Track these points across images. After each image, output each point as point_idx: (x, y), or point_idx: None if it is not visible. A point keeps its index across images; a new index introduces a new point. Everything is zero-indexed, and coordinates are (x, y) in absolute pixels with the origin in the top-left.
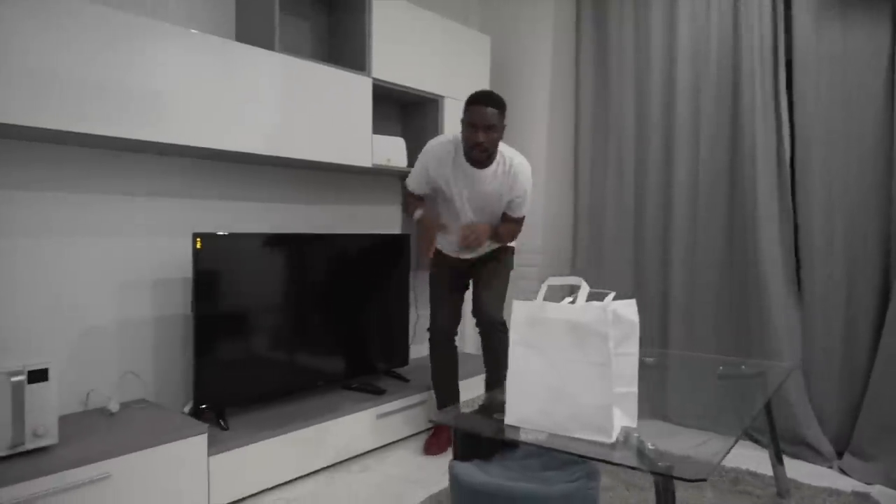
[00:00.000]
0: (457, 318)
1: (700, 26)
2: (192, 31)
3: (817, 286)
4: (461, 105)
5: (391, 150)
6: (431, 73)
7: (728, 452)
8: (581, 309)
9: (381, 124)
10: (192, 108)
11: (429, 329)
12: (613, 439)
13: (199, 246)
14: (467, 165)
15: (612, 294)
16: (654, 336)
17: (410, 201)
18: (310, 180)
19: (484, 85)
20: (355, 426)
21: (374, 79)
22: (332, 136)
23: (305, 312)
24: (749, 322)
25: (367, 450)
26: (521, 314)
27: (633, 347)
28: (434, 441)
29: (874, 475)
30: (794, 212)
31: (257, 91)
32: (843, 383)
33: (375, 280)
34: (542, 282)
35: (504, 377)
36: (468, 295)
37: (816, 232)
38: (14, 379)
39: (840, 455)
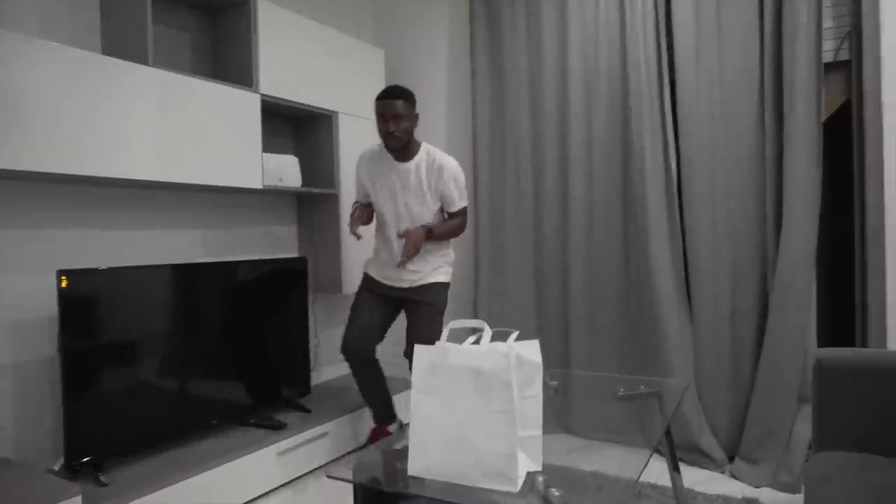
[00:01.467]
0: (371, 336)
1: (590, 48)
2: (52, 42)
3: (705, 302)
4: (357, 121)
5: (284, 170)
6: (324, 87)
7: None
8: (483, 354)
9: (272, 142)
10: (53, 129)
11: (341, 350)
12: (518, 488)
13: (64, 285)
14: (391, 159)
15: (515, 334)
16: (557, 349)
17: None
18: (196, 204)
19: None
20: (254, 467)
21: (263, 95)
22: (219, 156)
23: (194, 348)
24: (645, 336)
25: (268, 490)
26: (422, 360)
27: (536, 389)
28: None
29: (761, 478)
30: (682, 228)
31: (129, 110)
32: (732, 393)
33: (272, 307)
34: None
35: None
36: (394, 333)
37: (702, 250)
38: None
39: (731, 460)
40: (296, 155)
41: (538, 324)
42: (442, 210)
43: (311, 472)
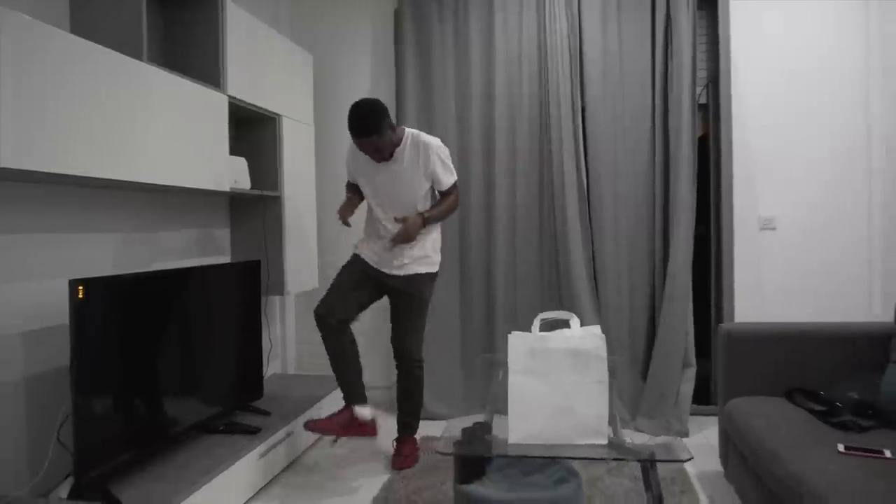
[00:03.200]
0: (349, 307)
1: (514, 72)
2: (20, 13)
3: (610, 291)
4: (295, 124)
5: (237, 172)
6: (271, 90)
7: None
8: (580, 338)
9: None
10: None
11: (314, 312)
12: (607, 440)
13: (81, 296)
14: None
15: (577, 319)
16: (482, 335)
17: (347, 189)
18: (130, 206)
19: (308, 104)
20: (244, 470)
21: (229, 96)
22: (189, 157)
23: (170, 356)
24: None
25: (256, 490)
26: (519, 346)
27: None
28: (324, 420)
29: (658, 429)
30: (591, 233)
31: (102, 101)
32: (632, 363)
33: (231, 311)
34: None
35: (417, 412)
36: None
37: (606, 249)
38: None
39: (634, 418)
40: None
41: (462, 314)
42: (432, 190)
43: (285, 469)
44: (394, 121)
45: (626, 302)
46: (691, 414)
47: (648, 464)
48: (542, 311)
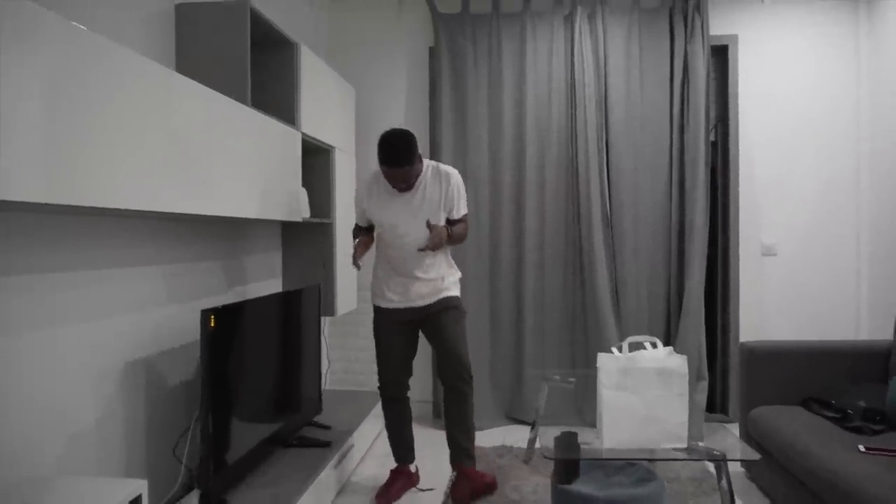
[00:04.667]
0: (401, 373)
1: (543, 112)
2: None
3: (629, 309)
4: (343, 154)
5: (303, 202)
6: (327, 124)
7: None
8: (664, 358)
9: None
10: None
11: (378, 387)
12: (686, 444)
13: (213, 324)
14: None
15: (660, 342)
16: (512, 359)
17: (357, 233)
18: (189, 234)
19: (351, 135)
20: (327, 480)
21: (303, 133)
22: (269, 189)
23: (261, 376)
24: (587, 336)
25: (334, 497)
26: (609, 364)
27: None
28: (387, 491)
29: None
30: (614, 256)
31: (203, 140)
32: None
33: (294, 334)
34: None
35: (469, 428)
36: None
37: (628, 271)
38: None
39: None
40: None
41: (492, 332)
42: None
43: (350, 476)
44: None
45: (644, 320)
46: (705, 421)
47: (721, 463)
48: (568, 328)
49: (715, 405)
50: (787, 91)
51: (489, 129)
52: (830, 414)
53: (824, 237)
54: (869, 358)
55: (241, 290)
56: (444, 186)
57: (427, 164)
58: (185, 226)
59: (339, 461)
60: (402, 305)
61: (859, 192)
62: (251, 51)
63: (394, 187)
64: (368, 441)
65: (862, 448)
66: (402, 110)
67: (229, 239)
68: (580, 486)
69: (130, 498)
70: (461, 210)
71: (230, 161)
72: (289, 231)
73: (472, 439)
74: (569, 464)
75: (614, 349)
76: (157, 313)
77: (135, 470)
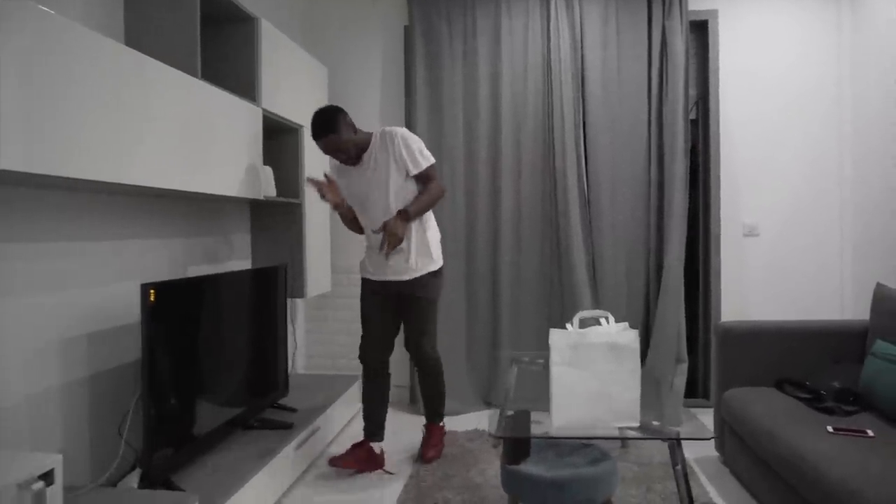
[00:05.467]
0: (384, 346)
1: (519, 87)
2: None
3: (608, 289)
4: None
5: (266, 180)
6: (295, 102)
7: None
8: (616, 333)
9: None
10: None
11: (359, 358)
12: (639, 423)
13: (152, 298)
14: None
15: (612, 317)
16: (488, 340)
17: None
18: (156, 213)
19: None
20: (284, 463)
21: (263, 109)
22: (228, 166)
23: (220, 355)
24: (563, 316)
25: (293, 481)
26: (560, 341)
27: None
28: (343, 457)
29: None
30: (591, 232)
31: (153, 112)
32: None
33: (260, 314)
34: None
35: (442, 402)
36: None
37: (606, 248)
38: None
39: None
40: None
41: (468, 312)
42: (411, 183)
43: (314, 461)
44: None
45: (623, 300)
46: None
47: (675, 443)
48: (545, 308)
49: (697, 389)
50: (769, 68)
51: (464, 107)
52: (803, 395)
53: (807, 217)
54: (846, 338)
55: (203, 270)
56: (390, 147)
57: (374, 134)
58: (140, 201)
59: (302, 444)
60: (376, 278)
61: (842, 172)
62: (210, 26)
63: (339, 161)
64: (340, 424)
65: (830, 429)
66: (377, 90)
67: (192, 217)
68: (529, 467)
69: (40, 472)
70: (419, 164)
71: (180, 134)
72: (259, 211)
73: (439, 403)
74: (517, 444)
75: (568, 325)
76: (107, 290)
77: (75, 447)
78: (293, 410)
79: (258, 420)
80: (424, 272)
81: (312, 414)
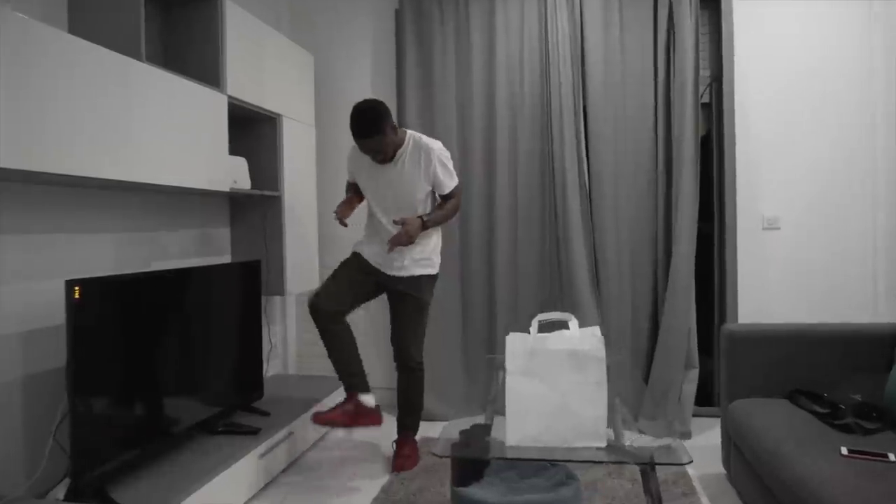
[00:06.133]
0: (344, 300)
1: (515, 73)
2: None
3: (612, 289)
4: (296, 124)
5: (236, 171)
6: (272, 90)
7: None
8: (578, 339)
9: None
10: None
11: (309, 304)
12: (605, 442)
13: (77, 296)
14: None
15: (576, 321)
16: (484, 343)
17: (348, 189)
18: (133, 206)
19: (310, 105)
20: (244, 472)
21: (229, 96)
22: (189, 157)
23: (174, 356)
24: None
25: (254, 493)
26: (517, 346)
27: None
28: (331, 410)
29: (661, 431)
30: (593, 229)
31: (99, 101)
32: (634, 362)
33: (234, 311)
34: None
35: (417, 413)
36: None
37: (609, 247)
38: None
39: (636, 419)
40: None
41: (463, 314)
42: (433, 193)
43: (284, 471)
44: (395, 121)
45: (627, 300)
46: (694, 415)
47: (648, 467)
48: (544, 310)
49: (713, 397)
50: (790, 43)
51: (457, 92)
52: (820, 409)
53: (834, 209)
54: (872, 344)
55: (169, 265)
56: (425, 163)
57: (409, 135)
58: (86, 193)
59: (271, 449)
60: (372, 262)
61: (874, 156)
62: (176, 9)
63: (372, 158)
64: (321, 429)
65: (844, 451)
66: (367, 77)
67: (159, 210)
68: (481, 490)
69: None
70: (448, 185)
71: (131, 124)
72: (239, 205)
73: (415, 414)
74: (465, 464)
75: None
76: (39, 288)
77: (7, 452)
78: (265, 414)
79: (225, 425)
80: (422, 273)
81: (287, 418)
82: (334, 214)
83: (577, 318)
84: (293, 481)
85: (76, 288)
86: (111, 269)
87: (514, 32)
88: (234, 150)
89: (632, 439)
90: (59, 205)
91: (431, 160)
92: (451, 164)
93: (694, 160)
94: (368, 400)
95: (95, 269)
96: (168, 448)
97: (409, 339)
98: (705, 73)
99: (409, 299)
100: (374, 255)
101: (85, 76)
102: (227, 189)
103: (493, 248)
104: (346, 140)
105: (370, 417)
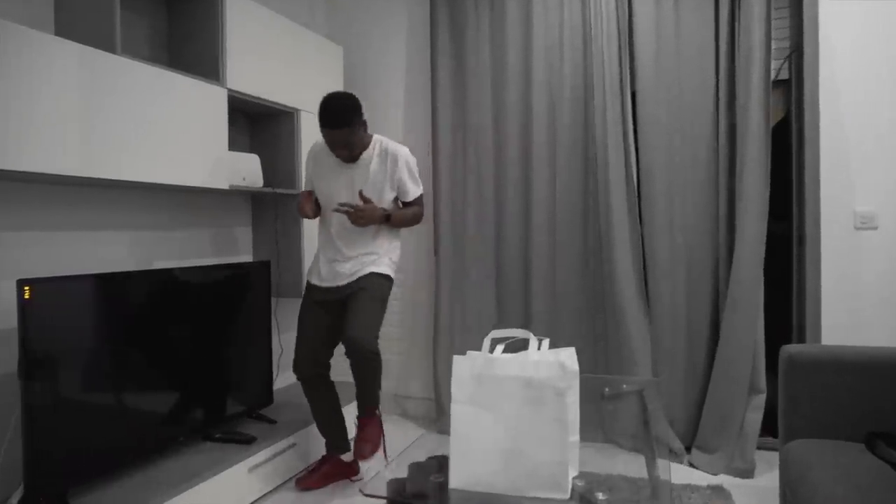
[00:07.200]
0: (320, 353)
1: (554, 55)
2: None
3: (663, 299)
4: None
5: (246, 169)
6: (286, 84)
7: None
8: (535, 365)
9: (229, 139)
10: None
11: (293, 370)
12: (569, 495)
13: (27, 296)
14: (339, 160)
15: (547, 341)
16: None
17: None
18: (150, 203)
19: None
20: (226, 485)
21: (230, 90)
22: (183, 154)
23: (159, 359)
24: (607, 335)
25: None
26: (464, 370)
27: (574, 396)
28: (310, 476)
29: (717, 466)
30: (641, 231)
31: (88, 101)
32: (688, 385)
33: (236, 314)
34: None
35: (375, 392)
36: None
37: (659, 250)
38: None
39: (688, 450)
40: (252, 152)
41: (499, 325)
42: (396, 201)
43: (283, 484)
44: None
45: (681, 311)
46: (759, 448)
47: None
48: (584, 319)
49: None
50: (891, 6)
51: (492, 79)
52: None
53: None
54: None
55: (172, 264)
56: (391, 167)
57: (376, 139)
58: (121, 193)
59: (269, 459)
60: (325, 285)
61: None
62: (175, 5)
63: (336, 155)
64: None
65: None
66: (402, 68)
67: (173, 209)
68: None
69: None
70: (414, 192)
71: (116, 120)
72: (260, 204)
73: (372, 393)
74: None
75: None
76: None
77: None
78: (272, 422)
79: (223, 432)
80: (374, 270)
81: (291, 428)
82: (298, 207)
83: (622, 331)
84: (288, 498)
85: (26, 288)
86: (126, 267)
87: (553, 8)
88: (249, 147)
89: (676, 474)
90: (68, 203)
91: (398, 165)
92: (416, 171)
93: (763, 147)
94: (347, 457)
95: (108, 268)
96: (149, 455)
97: (361, 328)
98: (783, 44)
99: (360, 291)
100: (324, 272)
101: (63, 74)
102: (225, 186)
103: (528, 250)
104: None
105: (348, 471)
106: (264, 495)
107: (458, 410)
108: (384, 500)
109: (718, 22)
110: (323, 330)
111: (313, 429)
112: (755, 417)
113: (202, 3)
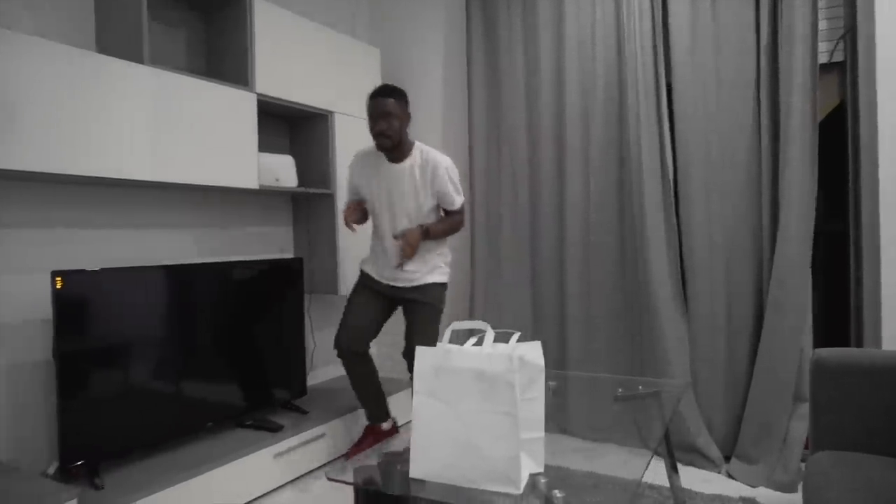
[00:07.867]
0: (365, 333)
1: (586, 50)
2: (46, 40)
3: (701, 300)
4: (353, 121)
5: (279, 169)
6: (320, 87)
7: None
8: (488, 357)
9: (267, 141)
10: (48, 128)
11: (334, 346)
12: (521, 490)
13: (59, 286)
14: (384, 161)
15: (517, 335)
16: (554, 350)
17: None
18: (191, 203)
19: None
20: (250, 469)
21: (259, 94)
22: (214, 156)
23: (189, 349)
24: (642, 336)
25: (265, 492)
26: (424, 362)
27: (538, 391)
28: (358, 448)
29: (758, 477)
30: (679, 231)
31: (124, 109)
32: (728, 390)
33: (268, 308)
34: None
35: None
36: (392, 334)
37: (698, 250)
38: None
39: (727, 459)
40: (290, 154)
41: (535, 326)
42: (438, 208)
43: (309, 472)
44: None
45: (721, 312)
46: (803, 460)
47: None
48: (621, 320)
49: None
50: None
51: (525, 76)
52: None
53: None
54: None
55: (206, 260)
56: (431, 176)
57: (418, 146)
58: (173, 193)
59: (297, 447)
60: (380, 279)
61: None
62: (212, 15)
63: (374, 137)
64: (357, 432)
65: None
66: (439, 70)
67: (214, 208)
68: None
69: None
70: (457, 201)
71: (132, 124)
72: (300, 203)
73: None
74: (370, 498)
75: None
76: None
77: (17, 430)
78: (304, 412)
79: (252, 420)
80: (433, 280)
81: (321, 418)
82: (344, 221)
83: (656, 331)
84: (315, 487)
85: (58, 279)
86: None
87: (586, 4)
88: (288, 149)
89: (561, 490)
90: (137, 206)
91: (439, 174)
92: (458, 181)
93: (809, 140)
94: (387, 425)
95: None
96: (180, 438)
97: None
98: (835, 23)
99: (422, 308)
100: (381, 270)
101: (95, 86)
102: (255, 186)
103: (563, 249)
104: (413, 133)
105: (390, 435)
106: (288, 482)
107: (419, 402)
108: (350, 486)
109: (759, 7)
110: (371, 313)
111: (344, 420)
112: (800, 427)
113: (233, 13)
